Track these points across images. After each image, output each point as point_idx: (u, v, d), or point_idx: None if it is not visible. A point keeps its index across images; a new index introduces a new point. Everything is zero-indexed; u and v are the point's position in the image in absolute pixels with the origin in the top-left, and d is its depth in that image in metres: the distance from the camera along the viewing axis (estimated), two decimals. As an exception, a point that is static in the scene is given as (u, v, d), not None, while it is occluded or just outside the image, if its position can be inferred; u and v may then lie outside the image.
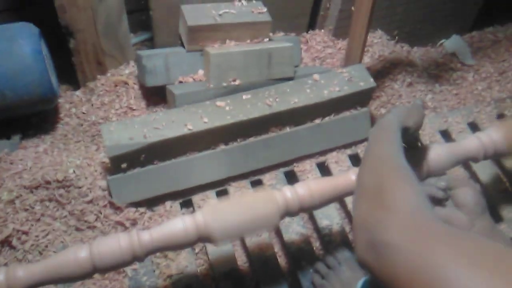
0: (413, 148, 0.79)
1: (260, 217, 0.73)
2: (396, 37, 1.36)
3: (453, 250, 0.41)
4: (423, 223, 0.46)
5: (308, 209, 0.78)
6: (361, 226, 0.52)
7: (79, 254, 0.67)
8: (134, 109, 1.09)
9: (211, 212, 0.71)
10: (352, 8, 0.99)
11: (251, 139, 0.99)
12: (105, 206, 0.93)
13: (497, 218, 1.04)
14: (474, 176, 1.10)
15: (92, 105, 1.12)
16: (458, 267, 0.39)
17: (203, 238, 0.72)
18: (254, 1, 1.10)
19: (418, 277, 0.41)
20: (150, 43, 1.25)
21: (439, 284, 0.39)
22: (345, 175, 0.80)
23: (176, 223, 0.71)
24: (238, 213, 0.72)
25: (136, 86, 1.12)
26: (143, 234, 0.70)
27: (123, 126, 0.90)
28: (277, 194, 0.75)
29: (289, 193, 0.76)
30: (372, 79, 1.04)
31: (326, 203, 0.79)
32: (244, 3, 1.08)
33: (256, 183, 1.03)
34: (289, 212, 0.76)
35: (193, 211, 0.98)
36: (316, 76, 1.02)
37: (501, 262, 0.39)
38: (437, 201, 0.70)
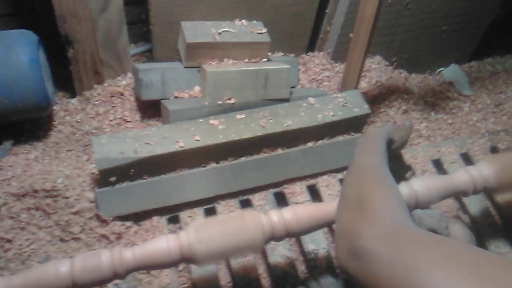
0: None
1: (245, 240, 0.72)
2: (395, 63, 1.37)
3: (431, 255, 0.42)
4: (401, 231, 0.48)
5: (294, 235, 0.78)
6: (342, 234, 0.54)
7: (59, 269, 0.66)
8: (128, 121, 1.09)
9: (195, 233, 0.71)
10: (351, 35, 1.00)
11: (243, 159, 0.99)
12: (91, 218, 0.92)
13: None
14: (463, 208, 1.09)
15: (87, 114, 1.12)
16: (436, 271, 0.40)
17: (187, 258, 0.71)
18: (254, 21, 1.10)
19: (398, 282, 0.42)
20: (150, 55, 1.26)
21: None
22: (333, 202, 0.80)
23: (160, 242, 0.71)
24: (223, 236, 0.72)
25: (132, 98, 1.13)
26: (125, 252, 0.70)
27: (114, 140, 0.90)
28: (263, 217, 0.75)
29: (276, 218, 0.75)
30: (367, 106, 1.04)
31: (312, 230, 0.79)
32: (245, 22, 1.09)
33: (245, 203, 1.02)
34: (275, 237, 0.76)
35: (180, 227, 0.98)
36: (311, 100, 1.03)
37: (478, 265, 0.40)
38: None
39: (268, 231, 0.74)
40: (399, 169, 0.88)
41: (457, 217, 0.75)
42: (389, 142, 0.72)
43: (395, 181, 0.61)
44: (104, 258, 0.68)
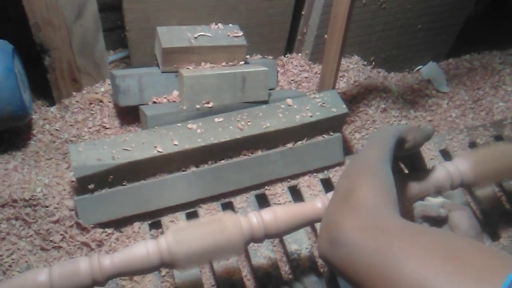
0: (417, 170, 0.80)
1: (224, 243, 0.73)
2: (373, 63, 1.38)
3: (407, 244, 0.43)
4: (381, 220, 0.48)
5: (273, 236, 0.78)
6: (326, 223, 0.56)
7: (38, 278, 0.66)
8: (107, 128, 1.09)
9: (174, 237, 0.71)
10: (325, 36, 1.01)
11: (222, 162, 0.99)
12: (71, 226, 0.92)
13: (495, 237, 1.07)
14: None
15: (66, 122, 1.11)
16: (411, 259, 0.41)
17: (166, 263, 0.71)
18: (231, 25, 1.11)
19: (375, 270, 0.43)
20: (129, 61, 1.26)
21: (395, 277, 0.41)
22: (312, 203, 0.80)
23: (138, 248, 0.71)
24: (202, 239, 0.72)
25: (111, 105, 1.12)
26: (104, 259, 0.69)
27: (91, 147, 0.89)
28: (242, 219, 0.75)
29: (255, 219, 0.76)
30: (344, 105, 1.05)
31: (292, 230, 0.79)
32: (221, 26, 1.10)
33: (227, 206, 1.03)
34: (254, 239, 0.76)
35: (162, 232, 0.98)
36: (289, 101, 1.03)
37: (453, 251, 0.40)
38: (433, 222, 0.70)
39: (247, 233, 0.74)
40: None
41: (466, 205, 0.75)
42: (402, 141, 0.72)
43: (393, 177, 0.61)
44: (82, 265, 0.68)
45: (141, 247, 0.71)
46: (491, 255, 0.39)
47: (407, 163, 0.83)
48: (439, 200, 0.78)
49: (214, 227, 0.73)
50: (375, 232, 0.47)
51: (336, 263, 0.50)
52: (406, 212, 0.75)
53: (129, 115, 1.12)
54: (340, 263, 0.49)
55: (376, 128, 1.21)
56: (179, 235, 0.71)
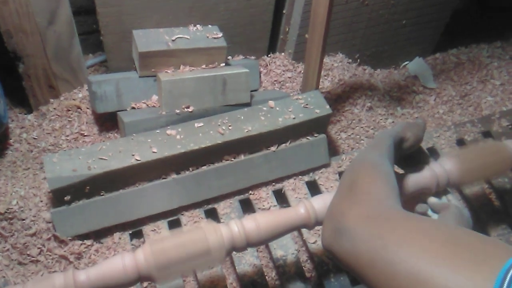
0: (421, 163, 0.81)
1: (204, 254, 0.71)
2: (358, 60, 1.35)
3: (409, 230, 0.44)
4: (383, 209, 0.50)
5: (256, 245, 0.76)
6: (329, 214, 0.56)
7: (11, 296, 0.64)
8: (85, 135, 1.06)
9: (152, 249, 0.69)
10: (306, 35, 0.98)
11: (204, 168, 0.96)
12: (49, 239, 0.89)
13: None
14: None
15: (43, 130, 1.08)
16: (413, 244, 0.42)
17: (144, 277, 0.69)
18: (210, 26, 1.08)
19: (376, 256, 0.44)
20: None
21: (395, 261, 0.42)
22: (295, 209, 0.78)
23: (115, 262, 0.69)
24: (182, 250, 0.69)
25: (89, 111, 1.09)
26: (79, 274, 0.67)
27: (67, 157, 0.86)
28: (223, 228, 0.73)
29: (236, 228, 0.74)
30: (328, 106, 1.02)
31: (274, 238, 0.77)
32: (200, 27, 1.07)
33: (210, 212, 1.00)
34: (236, 248, 0.74)
35: (144, 242, 0.95)
36: (271, 103, 1.01)
37: (453, 238, 0.41)
38: None
39: (228, 242, 0.72)
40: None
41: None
42: (401, 141, 0.73)
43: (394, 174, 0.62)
44: (57, 282, 0.66)
45: (117, 260, 0.69)
46: (491, 242, 0.40)
47: (409, 162, 0.82)
48: (431, 200, 0.77)
49: (194, 237, 0.71)
50: (377, 220, 0.48)
51: (339, 252, 0.51)
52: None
53: (108, 122, 1.09)
54: (343, 251, 0.50)
55: (362, 127, 1.19)
56: (157, 247, 0.69)
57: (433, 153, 1.16)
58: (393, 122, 1.24)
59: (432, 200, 0.77)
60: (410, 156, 0.81)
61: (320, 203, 0.78)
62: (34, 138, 1.08)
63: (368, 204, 0.52)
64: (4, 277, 0.88)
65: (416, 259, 0.40)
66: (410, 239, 0.43)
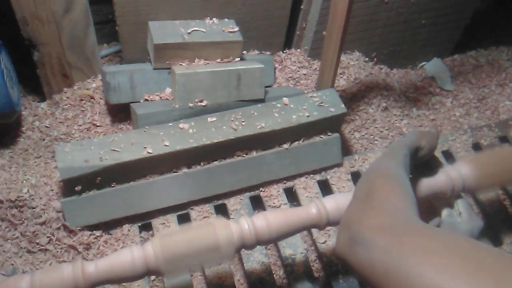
0: (434, 169, 0.80)
1: (213, 250, 0.70)
2: (375, 59, 1.33)
3: (427, 243, 0.43)
4: (402, 222, 0.49)
5: (266, 243, 0.75)
6: (345, 222, 0.55)
7: (19, 285, 0.64)
8: (98, 126, 1.06)
9: (161, 244, 0.68)
10: (324, 32, 0.96)
11: (215, 163, 0.95)
12: (58, 228, 0.89)
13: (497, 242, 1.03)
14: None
15: (56, 119, 1.08)
16: (430, 260, 0.41)
17: (152, 271, 0.69)
18: (226, 20, 1.07)
19: (393, 269, 0.43)
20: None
21: (413, 276, 0.41)
22: (306, 208, 0.77)
23: (124, 254, 0.68)
24: (190, 246, 0.69)
25: (102, 101, 1.09)
26: (88, 266, 0.67)
27: (79, 147, 0.86)
28: (233, 225, 0.72)
29: (246, 225, 0.73)
30: (343, 105, 1.01)
31: (285, 237, 0.76)
32: (216, 21, 1.05)
33: (220, 208, 1.00)
34: (245, 245, 0.73)
35: (153, 234, 0.95)
36: (285, 100, 0.99)
37: (477, 259, 0.40)
38: None
39: (238, 239, 0.71)
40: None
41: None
42: (416, 150, 0.72)
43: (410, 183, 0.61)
44: (66, 272, 0.66)
45: (126, 253, 0.68)
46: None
47: (422, 168, 0.81)
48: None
49: (203, 233, 0.70)
50: (394, 231, 0.47)
51: (354, 262, 0.50)
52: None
53: (121, 113, 1.08)
54: (358, 261, 0.49)
55: (376, 127, 1.18)
56: (166, 241, 0.69)
57: (449, 156, 1.14)
58: (408, 123, 1.22)
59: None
60: (422, 162, 0.80)
61: (332, 203, 0.77)
62: (47, 127, 1.08)
63: (386, 214, 0.51)
64: (12, 264, 0.88)
65: (435, 274, 0.39)
66: (430, 254, 0.42)
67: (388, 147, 0.73)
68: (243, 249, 0.81)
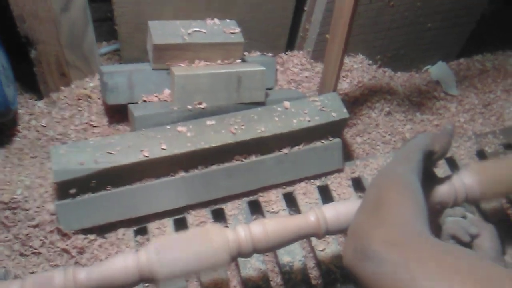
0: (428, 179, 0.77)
1: (209, 258, 0.69)
2: (379, 62, 1.31)
3: (437, 264, 0.42)
4: (411, 237, 0.47)
5: (263, 251, 0.73)
6: (353, 233, 0.54)
7: (9, 291, 0.63)
8: (95, 126, 1.04)
9: (155, 251, 0.67)
10: (327, 35, 0.94)
11: (214, 167, 0.94)
12: (52, 231, 0.87)
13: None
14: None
15: (53, 118, 1.06)
16: (439, 281, 0.40)
17: (146, 278, 0.68)
18: (227, 20, 1.05)
19: (401, 286, 0.43)
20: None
21: None
22: (305, 216, 0.76)
23: (117, 261, 0.67)
24: (186, 253, 0.68)
25: (100, 101, 1.07)
26: (79, 272, 0.66)
27: (74, 149, 0.84)
28: (229, 233, 0.71)
29: (243, 233, 0.71)
30: (345, 110, 0.99)
31: (282, 245, 0.75)
32: (217, 21, 1.03)
33: (218, 212, 0.98)
34: (242, 254, 0.72)
35: (148, 239, 0.93)
36: (286, 104, 0.97)
37: (487, 280, 0.39)
38: (458, 241, 0.69)
39: (234, 247, 0.70)
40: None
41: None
42: (430, 154, 0.71)
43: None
44: (57, 280, 0.65)
45: (120, 260, 0.67)
46: None
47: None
48: (468, 216, 0.73)
49: (199, 240, 0.69)
50: (403, 248, 0.46)
51: (361, 275, 0.49)
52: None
53: (119, 113, 1.06)
54: (365, 275, 0.48)
55: (379, 132, 1.15)
56: (161, 249, 0.67)
57: (452, 163, 1.11)
58: (411, 128, 1.20)
59: (469, 216, 0.73)
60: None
61: (332, 212, 0.75)
62: (43, 126, 1.06)
63: (395, 226, 0.50)
64: (4, 267, 0.87)
65: None
66: (440, 274, 0.41)
67: (401, 150, 0.69)
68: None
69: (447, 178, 0.82)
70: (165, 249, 0.67)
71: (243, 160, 0.95)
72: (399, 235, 0.48)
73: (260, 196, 1.00)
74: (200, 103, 0.97)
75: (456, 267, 0.41)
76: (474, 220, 0.73)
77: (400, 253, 0.45)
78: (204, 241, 0.69)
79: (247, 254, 0.72)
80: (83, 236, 0.88)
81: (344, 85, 1.18)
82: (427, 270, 0.42)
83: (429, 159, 0.70)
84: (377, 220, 0.52)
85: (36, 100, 1.14)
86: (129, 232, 0.92)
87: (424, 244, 0.46)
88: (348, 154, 1.12)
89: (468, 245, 0.69)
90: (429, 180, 0.80)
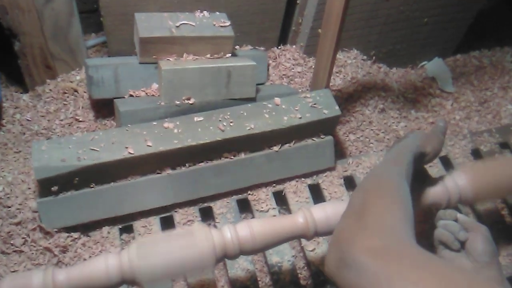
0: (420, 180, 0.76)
1: (193, 260, 0.67)
2: (373, 57, 1.28)
3: (420, 277, 0.40)
4: (395, 247, 0.46)
5: (249, 253, 0.71)
6: (336, 240, 0.52)
7: (-15, 292, 0.61)
8: (80, 121, 1.01)
9: (138, 252, 0.65)
10: (319, 30, 0.91)
11: (201, 164, 0.91)
12: (34, 229, 0.85)
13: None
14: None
15: (38, 112, 1.03)
16: None
17: (128, 280, 0.66)
18: (217, 13, 1.02)
19: None
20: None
21: None
22: (293, 217, 0.74)
23: (97, 262, 0.65)
24: (169, 255, 0.66)
25: (86, 95, 1.04)
26: (59, 274, 0.64)
27: (56, 146, 0.82)
28: (214, 234, 0.68)
29: (229, 234, 0.69)
30: (337, 107, 0.96)
31: (269, 247, 0.73)
32: (206, 14, 1.00)
33: (206, 211, 0.95)
34: (228, 255, 0.70)
35: (134, 237, 0.91)
36: (277, 100, 0.95)
37: None
38: (448, 248, 0.68)
39: (219, 249, 0.68)
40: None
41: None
42: (421, 156, 0.69)
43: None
44: (35, 281, 0.63)
45: (101, 261, 0.65)
46: None
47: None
48: (460, 218, 0.71)
49: (183, 241, 0.67)
50: (386, 258, 0.44)
51: (342, 283, 0.48)
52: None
53: (105, 108, 1.03)
54: (346, 283, 0.47)
55: (372, 130, 1.13)
56: (143, 250, 0.65)
57: (446, 162, 1.09)
58: (405, 126, 1.17)
59: (462, 218, 0.71)
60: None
61: (321, 213, 0.73)
62: (28, 120, 1.03)
63: (379, 234, 0.47)
64: (-14, 265, 0.84)
65: None
66: (419, 285, 0.39)
67: (391, 152, 0.67)
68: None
69: (440, 179, 0.81)
70: (147, 247, 0.65)
71: (232, 157, 0.93)
72: (383, 242, 0.46)
73: (250, 194, 0.97)
74: (188, 99, 0.94)
75: (436, 279, 0.40)
76: (467, 221, 0.70)
77: (381, 262, 0.44)
78: (189, 243, 0.67)
79: (233, 256, 0.70)
80: (66, 235, 0.86)
81: (338, 81, 1.16)
82: (406, 281, 0.40)
83: (420, 161, 0.69)
84: (360, 226, 0.50)
85: (21, 93, 1.11)
86: (114, 230, 0.90)
87: (409, 254, 0.44)
88: (340, 152, 1.09)
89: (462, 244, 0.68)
90: (421, 181, 0.78)
